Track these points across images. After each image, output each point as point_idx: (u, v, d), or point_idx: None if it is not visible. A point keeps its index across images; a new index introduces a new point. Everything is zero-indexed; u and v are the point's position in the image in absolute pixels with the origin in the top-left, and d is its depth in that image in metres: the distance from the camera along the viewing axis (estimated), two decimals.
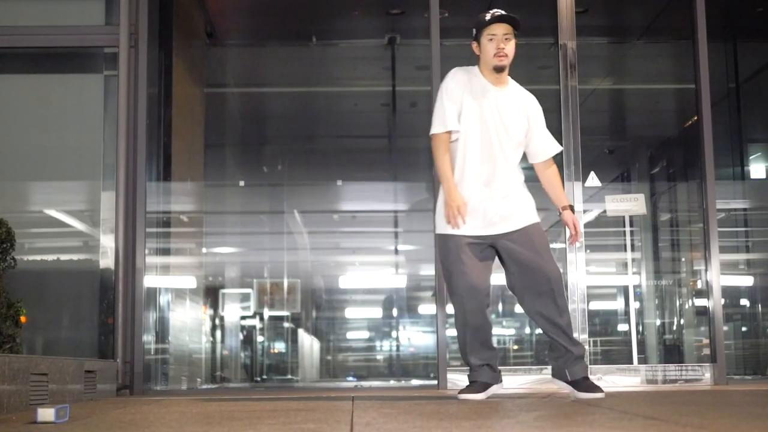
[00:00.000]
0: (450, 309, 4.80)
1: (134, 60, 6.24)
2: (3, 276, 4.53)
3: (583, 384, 4.36)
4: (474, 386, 4.44)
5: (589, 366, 5.96)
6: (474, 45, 4.49)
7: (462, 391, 4.45)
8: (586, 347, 6.01)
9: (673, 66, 8.91)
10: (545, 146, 4.60)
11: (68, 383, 4.55)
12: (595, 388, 4.33)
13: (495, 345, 4.56)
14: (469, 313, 4.39)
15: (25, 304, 4.63)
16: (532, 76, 8.06)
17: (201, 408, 3.96)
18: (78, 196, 6.85)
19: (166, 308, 6.88)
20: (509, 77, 4.55)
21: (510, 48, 4.41)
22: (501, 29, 4.38)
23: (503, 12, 4.39)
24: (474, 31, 4.47)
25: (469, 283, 4.35)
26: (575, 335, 5.03)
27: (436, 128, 4.43)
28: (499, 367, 4.55)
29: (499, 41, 4.38)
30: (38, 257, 6.61)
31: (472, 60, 4.55)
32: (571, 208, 4.61)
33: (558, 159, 6.20)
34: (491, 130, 4.41)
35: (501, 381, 4.56)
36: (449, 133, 4.41)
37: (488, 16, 4.39)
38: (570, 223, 4.55)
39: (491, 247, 4.43)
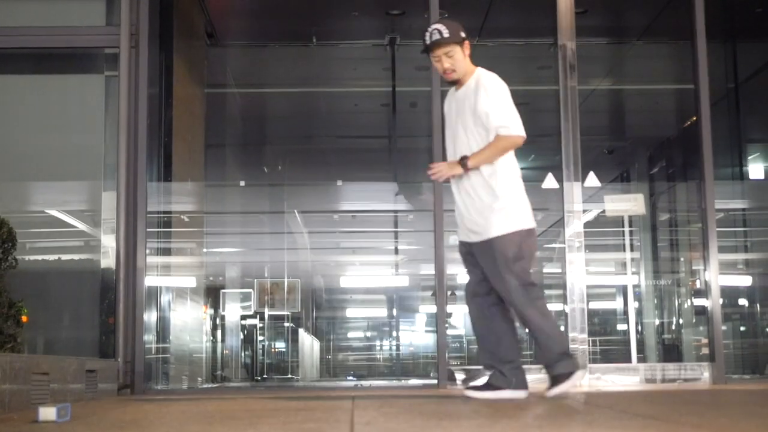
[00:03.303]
0: (450, 309, 4.81)
1: (135, 60, 6.25)
2: (4, 276, 4.54)
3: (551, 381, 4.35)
4: (480, 386, 4.45)
5: (589, 365, 5.99)
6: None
7: (469, 387, 4.47)
8: (586, 347, 6.02)
9: (672, 66, 8.92)
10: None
11: (69, 383, 4.57)
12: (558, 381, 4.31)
13: (512, 352, 4.43)
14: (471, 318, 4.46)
15: (27, 303, 4.64)
16: (532, 77, 8.08)
17: (201, 407, 3.97)
18: (79, 196, 6.86)
19: (166, 308, 6.89)
20: (475, 69, 4.48)
21: (455, 60, 4.41)
22: (441, 50, 4.41)
23: (439, 35, 4.36)
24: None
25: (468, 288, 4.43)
26: (574, 335, 5.03)
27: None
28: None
29: (442, 63, 4.43)
30: (40, 257, 6.62)
31: (473, 60, 4.57)
32: (463, 161, 4.36)
33: (558, 159, 6.23)
34: (451, 135, 4.53)
35: (518, 387, 4.38)
36: None
37: (427, 40, 4.40)
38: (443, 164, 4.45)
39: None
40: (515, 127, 4.29)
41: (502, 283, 4.27)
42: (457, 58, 4.40)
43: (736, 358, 8.20)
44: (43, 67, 6.86)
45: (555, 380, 4.31)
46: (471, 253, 4.43)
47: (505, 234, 4.26)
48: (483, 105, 4.32)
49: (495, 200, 4.30)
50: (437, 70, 4.51)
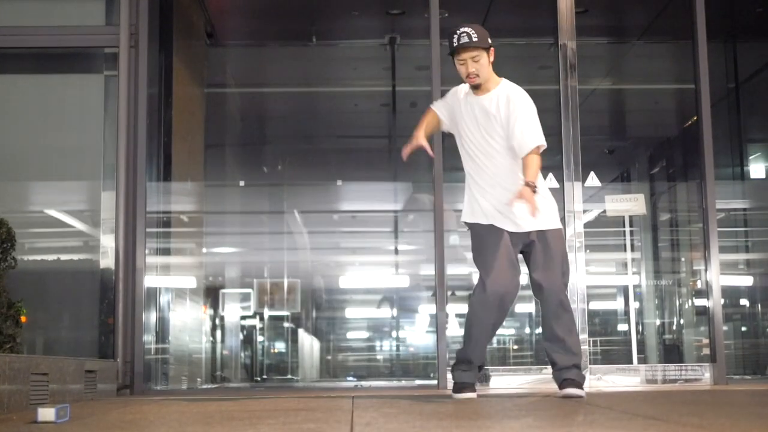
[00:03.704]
0: (450, 309, 4.83)
1: (134, 60, 6.24)
2: (3, 276, 4.53)
3: (564, 383, 4.42)
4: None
5: (589, 366, 5.98)
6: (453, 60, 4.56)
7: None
8: (586, 347, 6.01)
9: (672, 66, 8.91)
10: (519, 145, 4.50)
11: (69, 383, 4.56)
12: (576, 385, 4.39)
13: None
14: None
15: (26, 303, 4.63)
16: (532, 76, 8.07)
17: (201, 408, 3.96)
18: (78, 196, 6.85)
19: (166, 308, 6.88)
20: (501, 80, 4.58)
21: (480, 66, 4.46)
22: (468, 53, 4.43)
23: (468, 38, 4.40)
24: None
25: None
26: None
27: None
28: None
29: (467, 67, 4.46)
30: (39, 257, 6.62)
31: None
32: (529, 185, 4.39)
33: (558, 159, 6.23)
34: (468, 136, 4.63)
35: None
36: None
37: (455, 41, 4.44)
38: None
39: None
40: (544, 142, 4.47)
41: (556, 276, 4.46)
42: (482, 63, 4.45)
43: (737, 358, 8.19)
44: (42, 67, 6.85)
45: (573, 383, 4.39)
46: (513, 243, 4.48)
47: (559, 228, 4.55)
48: (519, 123, 4.43)
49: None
50: (460, 73, 4.52)
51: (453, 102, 4.69)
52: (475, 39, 4.40)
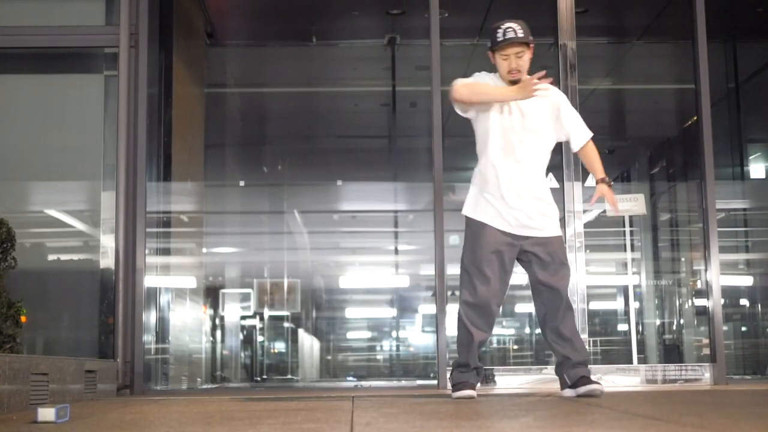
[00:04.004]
0: (450, 309, 4.83)
1: (134, 60, 6.24)
2: (3, 276, 4.53)
3: (582, 380, 4.39)
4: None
5: (590, 366, 5.97)
6: (490, 55, 4.54)
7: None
8: (586, 347, 6.01)
9: (673, 66, 8.91)
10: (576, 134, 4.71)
11: (68, 383, 4.56)
12: (594, 381, 4.40)
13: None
14: None
15: (26, 303, 4.63)
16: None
17: (201, 408, 3.96)
18: (78, 196, 6.85)
19: (166, 308, 6.88)
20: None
21: (523, 62, 4.47)
22: (513, 49, 4.44)
23: (516, 30, 4.42)
24: (490, 42, 4.51)
25: None
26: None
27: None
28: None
29: (511, 61, 4.44)
30: (39, 257, 6.61)
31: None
32: (605, 180, 4.65)
33: (558, 159, 6.23)
34: (511, 133, 4.55)
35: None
36: None
37: (500, 36, 4.42)
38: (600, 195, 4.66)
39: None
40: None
41: (567, 278, 4.50)
42: (525, 60, 4.47)
43: (737, 358, 8.19)
44: (42, 67, 6.85)
45: (584, 380, 4.40)
46: (512, 246, 4.47)
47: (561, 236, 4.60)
48: (571, 117, 4.62)
49: (552, 206, 4.57)
50: (499, 68, 4.48)
51: (490, 82, 4.52)
52: (521, 35, 4.42)
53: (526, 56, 4.46)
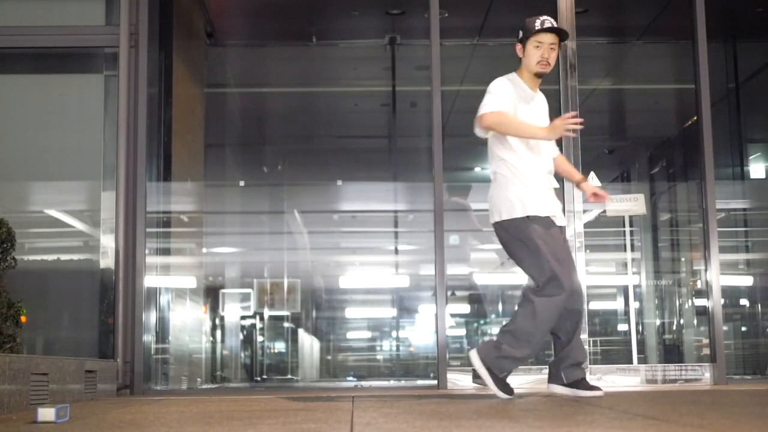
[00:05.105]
0: (450, 309, 4.82)
1: (134, 60, 6.25)
2: (3, 276, 4.53)
3: (583, 383, 4.40)
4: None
5: (589, 366, 5.97)
6: (518, 47, 4.56)
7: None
8: (586, 347, 6.01)
9: (673, 66, 8.91)
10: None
11: (68, 383, 4.56)
12: (595, 387, 4.39)
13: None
14: None
15: (26, 304, 4.63)
16: None
17: (201, 408, 3.96)
18: (78, 196, 6.85)
19: (166, 308, 6.88)
20: None
21: (553, 56, 4.51)
22: (548, 38, 4.47)
23: (553, 23, 4.48)
24: (520, 33, 4.54)
25: None
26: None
27: None
28: None
29: (544, 50, 4.47)
30: (39, 257, 6.61)
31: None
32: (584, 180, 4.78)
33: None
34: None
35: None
36: None
37: (538, 24, 4.46)
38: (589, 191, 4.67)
39: None
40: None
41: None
42: (555, 55, 4.52)
43: (737, 358, 8.19)
44: (42, 67, 6.85)
45: (584, 384, 4.41)
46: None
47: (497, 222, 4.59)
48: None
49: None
50: (529, 58, 4.49)
51: (513, 93, 4.49)
52: (563, 29, 4.50)
53: (556, 52, 4.51)
